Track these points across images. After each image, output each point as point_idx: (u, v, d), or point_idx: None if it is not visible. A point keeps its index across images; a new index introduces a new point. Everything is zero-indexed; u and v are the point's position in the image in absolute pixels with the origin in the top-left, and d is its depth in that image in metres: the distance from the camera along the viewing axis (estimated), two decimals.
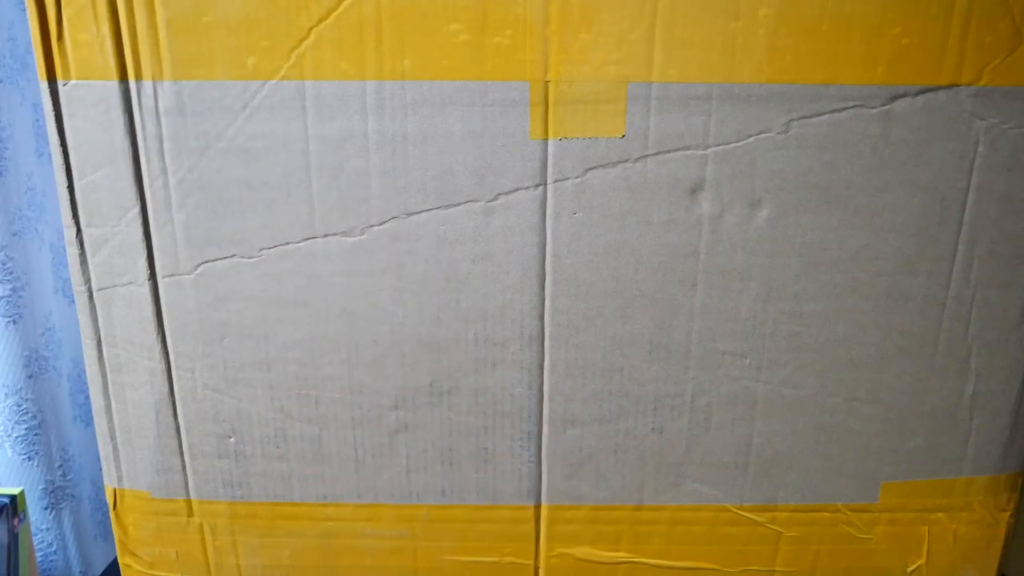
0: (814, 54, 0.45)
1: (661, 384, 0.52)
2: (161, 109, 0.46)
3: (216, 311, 0.50)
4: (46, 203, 0.69)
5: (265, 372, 0.52)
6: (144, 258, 0.49)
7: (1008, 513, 0.55)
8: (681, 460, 0.53)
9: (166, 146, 0.47)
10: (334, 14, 0.44)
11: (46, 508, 0.72)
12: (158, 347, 0.51)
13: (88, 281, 0.50)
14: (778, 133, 0.46)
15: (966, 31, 0.44)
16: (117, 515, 0.56)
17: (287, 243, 0.49)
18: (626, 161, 0.47)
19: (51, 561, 0.74)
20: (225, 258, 0.49)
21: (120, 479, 0.55)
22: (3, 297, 0.65)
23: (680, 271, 0.49)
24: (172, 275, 0.50)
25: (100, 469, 0.59)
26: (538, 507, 0.55)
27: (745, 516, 0.55)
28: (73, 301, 0.53)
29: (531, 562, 0.56)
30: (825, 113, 0.46)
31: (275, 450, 0.54)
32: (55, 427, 0.72)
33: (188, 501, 0.55)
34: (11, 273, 0.65)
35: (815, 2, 0.44)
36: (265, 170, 0.47)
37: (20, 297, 0.66)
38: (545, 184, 0.47)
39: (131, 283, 0.50)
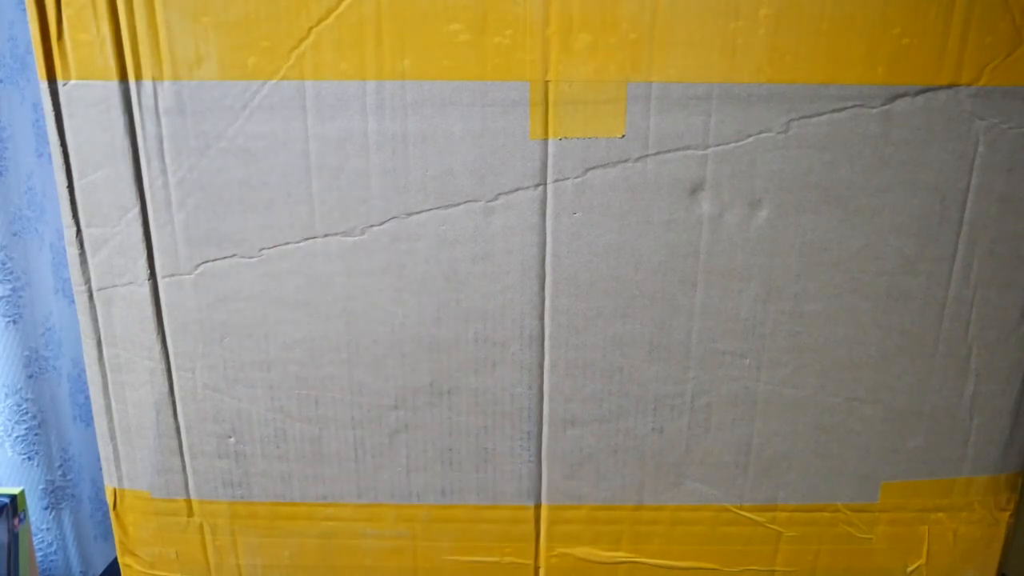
0: (814, 54, 0.45)
1: (661, 384, 0.52)
2: (161, 109, 0.46)
3: (216, 311, 0.50)
4: (46, 203, 0.69)
5: (265, 372, 0.52)
6: (144, 258, 0.49)
7: (1008, 513, 0.55)
8: (681, 460, 0.53)
9: (166, 146, 0.47)
10: (334, 14, 0.44)
11: (46, 508, 0.72)
12: (158, 347, 0.51)
13: (88, 281, 0.50)
14: (778, 133, 0.46)
15: (966, 31, 0.44)
16: (117, 515, 0.56)
17: (287, 243, 0.49)
18: (626, 161, 0.47)
19: (51, 561, 0.74)
20: (225, 258, 0.49)
21: (120, 479, 0.55)
22: (3, 297, 0.65)
23: (680, 271, 0.49)
24: (172, 275, 0.50)
25: (100, 469, 0.59)
26: (538, 507, 0.55)
27: (745, 516, 0.55)
28: (73, 301, 0.53)
29: (531, 562, 0.56)
30: (825, 113, 0.46)
31: (275, 450, 0.54)
32: (55, 427, 0.72)
33: (188, 501, 0.55)
34: (11, 273, 0.65)
35: (815, 2, 0.44)
36: (265, 170, 0.47)
37: (20, 297, 0.66)
38: (545, 184, 0.47)
39: (131, 283, 0.50)
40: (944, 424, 0.53)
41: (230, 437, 0.53)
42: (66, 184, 0.48)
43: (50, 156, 0.49)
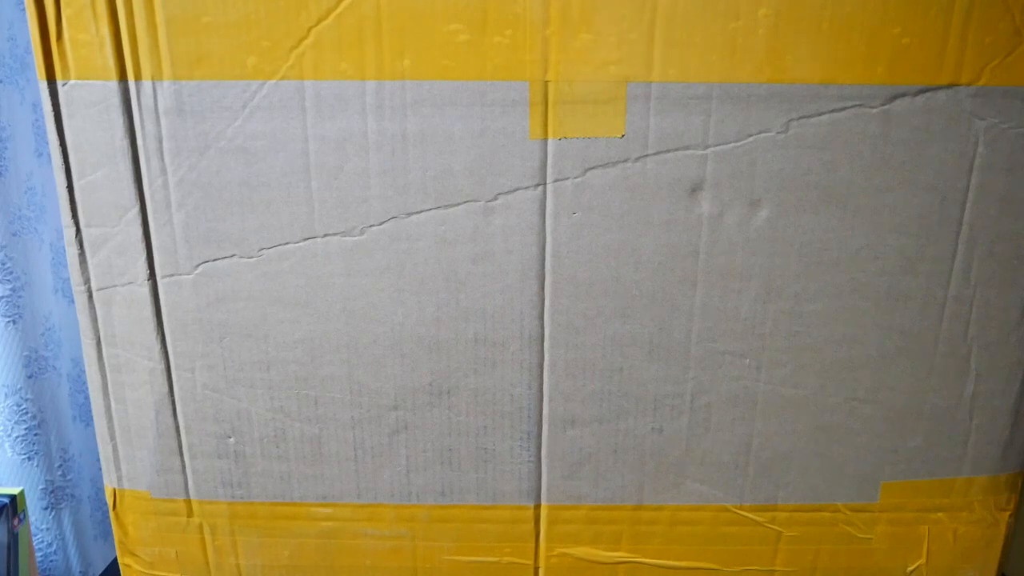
0: (814, 54, 0.45)
1: (661, 384, 0.52)
2: (160, 109, 0.46)
3: (216, 311, 0.50)
4: (46, 203, 0.69)
5: (265, 372, 0.52)
6: (144, 258, 0.49)
7: (1008, 513, 0.55)
8: (681, 460, 0.53)
9: (165, 146, 0.47)
10: (333, 14, 0.44)
11: (46, 508, 0.72)
12: (158, 347, 0.51)
13: (88, 281, 0.50)
14: (778, 133, 0.46)
15: (966, 31, 0.44)
16: (117, 515, 0.56)
17: (286, 243, 0.49)
18: (626, 161, 0.47)
19: (51, 561, 0.74)
20: (225, 258, 0.49)
21: (120, 479, 0.55)
22: (3, 297, 0.65)
23: (680, 271, 0.49)
24: (172, 275, 0.50)
25: (100, 469, 0.59)
26: (538, 507, 0.55)
27: (745, 516, 0.55)
28: (73, 301, 0.53)
29: (531, 562, 0.56)
30: (825, 113, 0.46)
31: (275, 450, 0.54)
32: (55, 427, 0.72)
33: (188, 501, 0.55)
34: (11, 273, 0.65)
35: (815, 2, 0.44)
36: (264, 170, 0.47)
37: (20, 297, 0.66)
38: (545, 184, 0.47)
39: (131, 283, 0.50)
40: (944, 424, 0.53)
41: (230, 437, 0.53)
42: (65, 184, 0.48)
43: (50, 156, 0.49)
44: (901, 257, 0.49)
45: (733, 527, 0.55)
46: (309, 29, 0.45)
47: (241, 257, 0.49)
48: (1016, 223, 0.48)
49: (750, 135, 0.46)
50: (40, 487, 0.71)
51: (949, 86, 0.45)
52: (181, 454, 0.54)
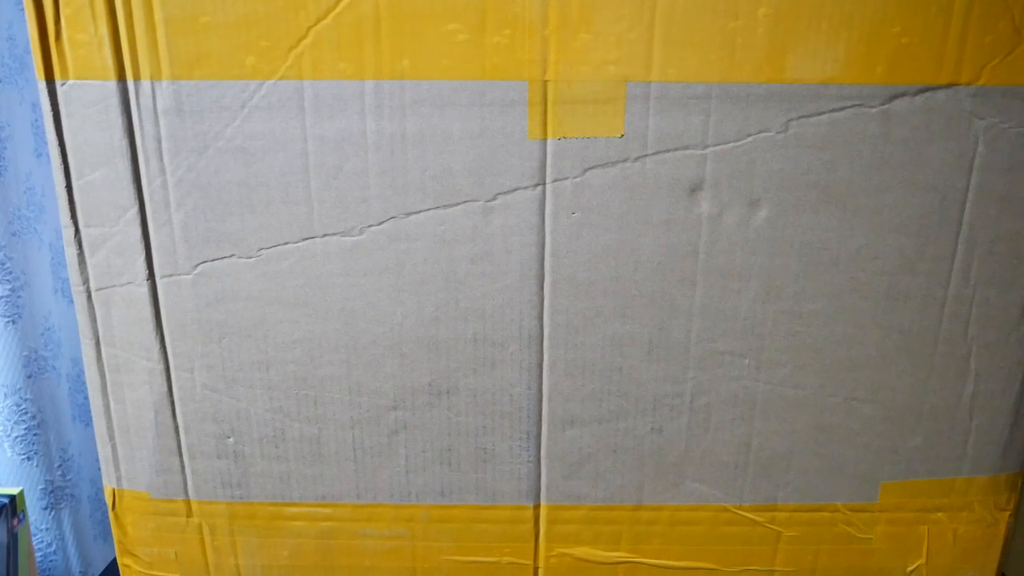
0: (814, 54, 0.45)
1: (660, 384, 0.51)
2: (159, 109, 0.46)
3: (215, 311, 0.50)
4: (45, 203, 0.69)
5: (264, 372, 0.52)
6: (143, 258, 0.49)
7: (1008, 513, 0.55)
8: (680, 460, 0.53)
9: (164, 146, 0.47)
10: (332, 14, 0.44)
11: (45, 508, 0.72)
12: (157, 347, 0.51)
13: (87, 281, 0.50)
14: (777, 133, 0.46)
15: (966, 31, 0.44)
16: (116, 515, 0.56)
17: (286, 243, 0.49)
18: (625, 161, 0.47)
19: (51, 561, 0.74)
20: (224, 258, 0.49)
21: (119, 479, 0.55)
22: (2, 297, 0.65)
23: (679, 271, 0.49)
24: (171, 275, 0.50)
25: (99, 469, 0.59)
26: (537, 507, 0.55)
27: (745, 516, 0.55)
28: (72, 301, 0.53)
29: (530, 562, 0.56)
30: (824, 113, 0.46)
31: (274, 450, 0.54)
32: (54, 427, 0.72)
33: (187, 501, 0.55)
34: (10, 273, 0.65)
35: (815, 2, 0.44)
36: (263, 170, 0.47)
37: (19, 297, 0.66)
38: (544, 184, 0.47)
39: (130, 283, 0.50)
40: (944, 424, 0.53)
41: (229, 437, 0.53)
42: (64, 184, 0.48)
43: (49, 156, 0.49)
44: (901, 257, 0.49)
45: (733, 527, 0.55)
46: (308, 29, 0.45)
47: (240, 257, 0.49)
48: (1016, 223, 0.48)
49: (749, 135, 0.46)
50: (40, 487, 0.71)
51: (949, 86, 0.45)
52: (180, 454, 0.54)
